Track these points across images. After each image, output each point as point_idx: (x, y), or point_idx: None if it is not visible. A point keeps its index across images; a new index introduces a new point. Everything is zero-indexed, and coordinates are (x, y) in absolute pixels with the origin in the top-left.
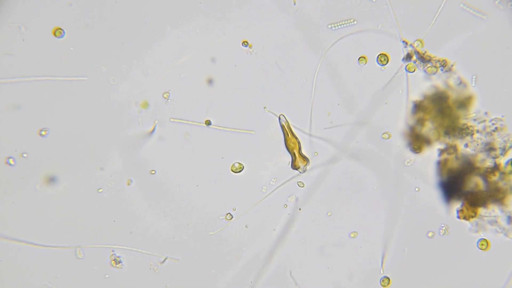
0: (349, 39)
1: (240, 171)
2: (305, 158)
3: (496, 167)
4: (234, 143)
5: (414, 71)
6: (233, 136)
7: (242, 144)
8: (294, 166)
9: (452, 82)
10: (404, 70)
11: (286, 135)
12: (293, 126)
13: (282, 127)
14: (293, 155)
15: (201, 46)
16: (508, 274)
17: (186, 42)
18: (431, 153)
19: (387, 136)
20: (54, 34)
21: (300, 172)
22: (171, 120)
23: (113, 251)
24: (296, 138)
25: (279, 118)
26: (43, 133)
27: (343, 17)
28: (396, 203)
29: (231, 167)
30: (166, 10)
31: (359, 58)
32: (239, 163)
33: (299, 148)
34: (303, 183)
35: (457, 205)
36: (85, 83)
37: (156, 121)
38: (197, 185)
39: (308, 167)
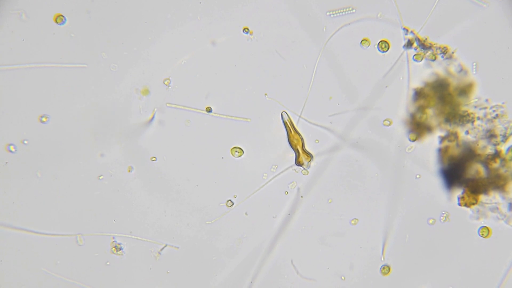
0: (350, 27)
1: (240, 156)
2: (308, 154)
3: (497, 154)
4: (234, 130)
5: (422, 59)
6: (233, 123)
7: (242, 131)
8: (298, 163)
9: (452, 69)
10: (406, 58)
11: (289, 131)
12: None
13: (285, 123)
14: (296, 152)
15: (202, 33)
16: (509, 261)
17: (187, 29)
18: (432, 140)
19: (388, 123)
20: (56, 21)
21: (304, 168)
22: (167, 105)
23: (113, 238)
24: (299, 134)
25: (282, 115)
26: (43, 119)
27: (342, 5)
28: (397, 190)
29: (231, 151)
30: None
31: (362, 40)
32: (239, 147)
33: (303, 145)
34: (307, 171)
35: (458, 192)
36: (86, 70)
37: (155, 109)
38: (197, 172)
39: (312, 163)
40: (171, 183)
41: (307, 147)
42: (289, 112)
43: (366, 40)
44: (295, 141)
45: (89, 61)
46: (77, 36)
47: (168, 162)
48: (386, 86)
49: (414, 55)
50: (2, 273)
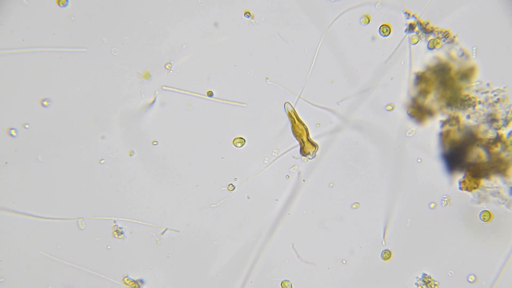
0: (352, 11)
1: (241, 146)
2: (313, 144)
3: (498, 138)
4: (235, 114)
5: (434, 47)
6: (235, 108)
7: (244, 116)
8: (303, 153)
9: (454, 53)
10: (407, 42)
11: (293, 122)
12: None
13: (288, 114)
14: (301, 142)
15: (203, 17)
16: (510, 246)
17: (189, 13)
18: (433, 125)
19: (391, 107)
20: (58, 3)
21: (309, 158)
22: (164, 88)
23: (115, 222)
24: (303, 124)
25: (285, 106)
26: (45, 103)
27: None
28: (398, 175)
29: (233, 142)
30: None
31: (362, 16)
32: (240, 137)
33: (307, 134)
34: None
35: (459, 176)
36: (86, 54)
37: (157, 93)
38: (198, 157)
39: (317, 153)
40: (172, 167)
41: (311, 136)
42: (290, 95)
43: (366, 17)
44: (299, 131)
45: (89, 45)
46: (77, 20)
47: (169, 146)
48: (392, 78)
49: (429, 42)
50: (3, 257)
